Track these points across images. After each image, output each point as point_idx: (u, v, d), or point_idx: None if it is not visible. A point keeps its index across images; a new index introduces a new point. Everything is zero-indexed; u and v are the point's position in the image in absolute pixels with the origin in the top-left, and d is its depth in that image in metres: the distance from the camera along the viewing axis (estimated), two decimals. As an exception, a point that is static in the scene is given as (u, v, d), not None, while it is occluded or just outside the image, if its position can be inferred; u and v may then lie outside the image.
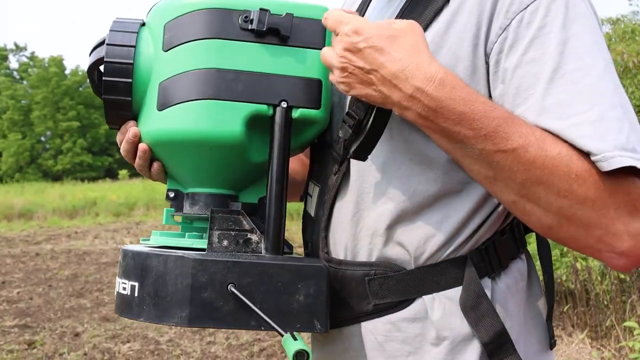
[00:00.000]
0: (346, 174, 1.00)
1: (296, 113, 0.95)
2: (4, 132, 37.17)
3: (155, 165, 1.01)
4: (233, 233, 0.92)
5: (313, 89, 0.95)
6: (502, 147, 0.80)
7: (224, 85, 0.91)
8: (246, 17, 0.92)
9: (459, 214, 0.94)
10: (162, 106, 0.92)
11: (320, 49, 0.93)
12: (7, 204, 16.27)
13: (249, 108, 0.92)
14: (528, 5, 0.86)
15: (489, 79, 0.90)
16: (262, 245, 0.93)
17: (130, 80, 0.93)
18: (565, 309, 4.72)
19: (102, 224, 13.65)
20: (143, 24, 0.98)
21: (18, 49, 44.43)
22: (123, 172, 26.18)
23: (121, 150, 1.00)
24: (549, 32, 0.85)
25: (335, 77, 0.87)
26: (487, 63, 0.89)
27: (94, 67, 0.96)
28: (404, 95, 0.82)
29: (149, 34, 0.96)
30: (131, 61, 0.93)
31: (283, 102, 0.93)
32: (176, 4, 0.93)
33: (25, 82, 41.28)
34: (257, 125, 0.94)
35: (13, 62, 47.79)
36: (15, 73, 43.66)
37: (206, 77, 0.90)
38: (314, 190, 1.08)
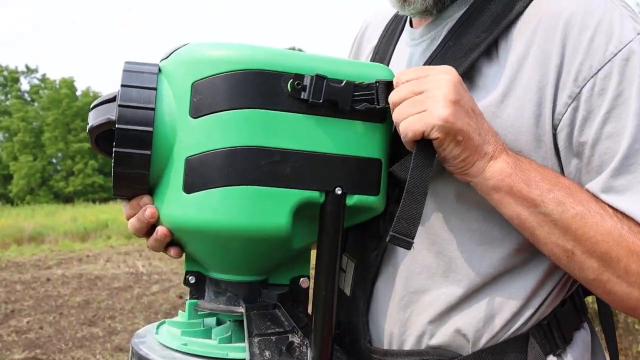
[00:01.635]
0: (390, 250, 0.88)
1: (352, 200, 0.81)
2: (15, 154, 37.29)
3: (174, 250, 0.86)
4: (274, 338, 0.79)
5: (372, 172, 0.82)
6: (580, 210, 0.76)
7: (268, 168, 0.76)
8: (298, 83, 0.77)
9: (523, 292, 0.84)
10: (190, 188, 0.78)
11: (383, 123, 0.81)
12: (17, 227, 16.18)
13: (297, 196, 0.78)
14: (599, 70, 0.77)
15: (559, 152, 0.81)
16: (309, 355, 0.79)
17: (148, 152, 0.78)
18: None
19: (114, 246, 13.52)
20: (159, 70, 0.82)
21: (29, 70, 44.67)
22: (134, 193, 25.85)
23: (130, 226, 0.85)
24: (626, 101, 0.77)
25: (431, 108, 0.75)
26: (554, 135, 0.80)
27: (98, 129, 0.80)
28: (497, 147, 0.78)
29: (169, 87, 0.80)
30: (150, 128, 0.78)
31: (338, 189, 0.80)
32: (209, 59, 0.78)
33: (36, 103, 41.55)
34: (302, 210, 0.80)
35: (24, 84, 47.84)
36: (26, 95, 43.90)
37: (247, 157, 0.76)
38: (349, 265, 0.96)
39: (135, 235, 0.85)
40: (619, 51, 0.77)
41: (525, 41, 0.82)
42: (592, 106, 0.78)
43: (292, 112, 0.78)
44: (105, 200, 28.99)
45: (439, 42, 0.89)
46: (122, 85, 0.78)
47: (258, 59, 0.77)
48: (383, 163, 0.83)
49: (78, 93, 39.97)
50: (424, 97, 0.75)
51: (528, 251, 0.83)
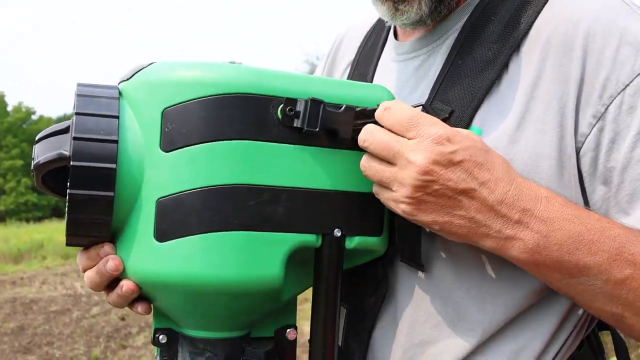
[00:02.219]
0: (391, 296, 0.77)
1: (352, 242, 0.70)
2: (-56, 173, 35.86)
3: (141, 306, 0.71)
4: None
5: (374, 209, 0.71)
6: (629, 273, 0.64)
7: (257, 209, 0.65)
8: (290, 109, 0.65)
9: (540, 339, 0.74)
10: (163, 235, 0.65)
11: None
12: (-55, 250, 15.41)
13: (291, 241, 0.67)
14: (627, 86, 0.68)
15: (582, 178, 0.71)
16: None
17: (111, 193, 0.64)
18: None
19: (50, 267, 12.99)
20: (120, 94, 0.69)
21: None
22: (70, 210, 25.11)
23: (87, 280, 0.71)
24: None
25: (396, 194, 0.64)
26: (577, 159, 0.71)
27: (46, 167, 0.66)
28: (508, 223, 0.63)
29: (134, 115, 0.67)
30: (114, 165, 0.64)
31: (337, 230, 0.69)
32: (183, 80, 0.65)
33: (-35, 120, 39.99)
34: (294, 255, 0.68)
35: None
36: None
37: (232, 197, 0.64)
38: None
39: (93, 289, 0.72)
40: None
41: (540, 53, 0.72)
42: (620, 126, 0.69)
43: (284, 142, 0.66)
44: (39, 219, 27.93)
45: (443, 58, 0.79)
46: (77, 114, 0.65)
47: (243, 81, 0.65)
48: None
49: (9, 108, 38.73)
50: (393, 173, 0.65)
51: (546, 290, 0.73)
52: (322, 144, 0.68)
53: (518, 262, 0.66)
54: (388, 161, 0.65)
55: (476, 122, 0.73)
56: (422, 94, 0.79)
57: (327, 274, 0.69)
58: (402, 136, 0.64)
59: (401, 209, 0.65)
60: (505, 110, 0.72)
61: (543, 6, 0.74)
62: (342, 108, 0.67)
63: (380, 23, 0.95)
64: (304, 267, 0.71)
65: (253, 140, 0.65)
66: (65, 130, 0.66)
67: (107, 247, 0.68)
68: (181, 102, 0.65)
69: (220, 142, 0.64)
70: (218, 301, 0.67)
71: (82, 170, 0.63)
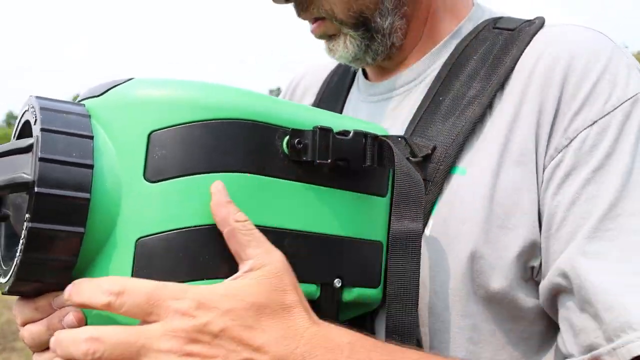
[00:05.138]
0: None
1: (350, 294, 0.63)
2: None
3: None
4: None
5: (374, 258, 0.65)
6: None
7: None
8: (299, 141, 0.58)
9: None
10: None
11: (384, 197, 0.65)
12: None
13: None
14: (594, 122, 0.65)
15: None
16: None
17: (82, 229, 0.52)
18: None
19: None
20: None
21: None
22: None
23: (27, 335, 0.56)
24: (618, 160, 0.64)
25: None
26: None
27: None
28: None
29: (107, 138, 0.56)
30: (87, 195, 0.52)
31: (337, 280, 0.61)
32: (179, 100, 0.55)
33: None
34: None
35: None
36: None
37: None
38: None
39: (32, 348, 0.57)
40: (621, 104, 0.66)
41: (521, 88, 0.69)
42: (578, 163, 0.65)
43: (288, 179, 0.58)
44: None
45: (421, 97, 0.75)
46: (44, 130, 0.53)
47: (250, 106, 0.57)
48: (384, 247, 0.66)
49: None
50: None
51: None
52: (327, 182, 0.60)
53: None
54: None
55: (461, 161, 0.69)
56: (399, 132, 0.74)
57: None
58: (152, 317, 0.50)
59: None
60: (488, 147, 0.68)
61: (527, 44, 0.72)
62: (351, 134, 0.61)
63: (343, 65, 0.91)
64: None
65: (257, 174, 0.56)
66: (26, 150, 0.53)
67: (62, 297, 0.54)
68: (175, 125, 0.54)
69: (221, 173, 0.55)
70: None
71: (49, 199, 0.51)
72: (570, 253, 0.63)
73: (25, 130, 0.59)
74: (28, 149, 0.53)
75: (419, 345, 0.66)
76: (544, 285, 0.66)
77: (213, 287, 0.51)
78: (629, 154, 0.64)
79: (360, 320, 0.70)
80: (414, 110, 0.74)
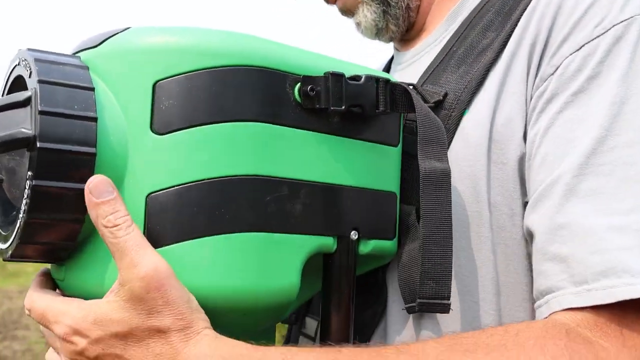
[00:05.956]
0: (394, 308, 0.68)
1: (367, 247, 0.61)
2: None
3: None
4: None
5: (389, 210, 0.62)
6: None
7: (276, 206, 0.53)
8: (312, 88, 0.55)
9: None
10: (157, 241, 0.50)
11: (396, 146, 0.63)
12: None
13: (310, 245, 0.56)
14: (582, 47, 0.60)
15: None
16: None
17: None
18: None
19: None
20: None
21: None
22: None
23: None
24: (602, 84, 0.58)
25: None
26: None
27: None
28: None
29: (108, 89, 0.53)
30: (93, 149, 0.49)
31: (353, 233, 0.59)
32: (185, 47, 0.52)
33: None
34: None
35: None
36: None
37: (248, 191, 0.52)
38: (314, 329, 0.73)
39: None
40: (613, 26, 0.60)
41: (524, 26, 0.66)
42: (559, 89, 0.60)
43: (301, 128, 0.56)
44: None
45: (438, 51, 0.74)
46: (42, 82, 0.49)
47: (260, 52, 0.54)
48: (398, 198, 0.64)
49: None
50: None
51: None
52: (339, 130, 0.58)
53: None
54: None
55: (468, 105, 0.66)
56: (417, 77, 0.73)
57: (342, 285, 0.59)
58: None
59: None
60: (489, 87, 0.66)
61: None
62: (363, 79, 0.58)
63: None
64: (305, 278, 0.60)
65: (270, 123, 0.54)
66: (23, 104, 0.50)
67: None
68: (182, 74, 0.51)
69: (233, 123, 0.52)
70: (217, 321, 0.53)
71: (52, 154, 0.48)
72: (557, 191, 0.57)
73: (15, 88, 0.55)
74: (25, 103, 0.50)
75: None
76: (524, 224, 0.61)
77: (86, 312, 0.50)
78: (618, 79, 0.58)
79: (372, 275, 0.68)
80: (431, 61, 0.73)
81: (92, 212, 0.50)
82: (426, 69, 0.72)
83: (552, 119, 0.59)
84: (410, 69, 0.78)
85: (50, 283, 0.59)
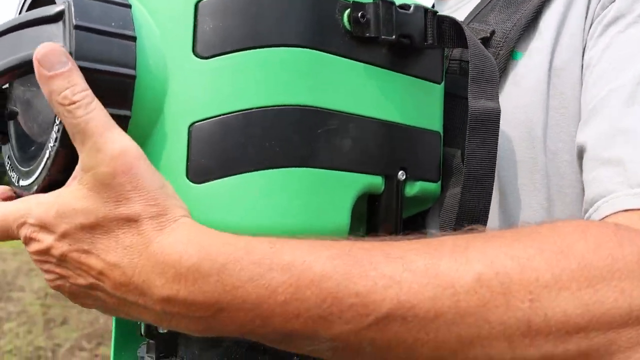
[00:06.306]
0: None
1: (413, 189, 0.57)
2: None
3: None
4: None
5: (434, 150, 0.59)
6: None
7: (326, 141, 0.49)
8: (362, 14, 0.51)
9: None
10: (202, 175, 0.46)
11: (440, 83, 0.59)
12: None
13: (360, 183, 0.52)
14: None
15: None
16: None
17: (128, 112, 0.45)
18: None
19: None
20: None
21: None
22: None
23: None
24: None
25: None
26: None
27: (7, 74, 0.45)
28: (153, 301, 0.44)
29: (144, 9, 0.48)
30: (133, 71, 0.45)
31: (401, 172, 0.55)
32: None
33: None
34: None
35: None
36: None
37: (298, 122, 0.48)
38: None
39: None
40: None
41: None
42: (623, 11, 0.57)
43: (350, 58, 0.52)
44: None
45: None
46: None
47: None
48: (441, 138, 0.60)
49: None
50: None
51: None
52: (388, 63, 0.54)
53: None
54: None
55: (521, 47, 0.63)
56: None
57: (387, 227, 0.56)
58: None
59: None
60: (544, 32, 0.62)
61: None
62: (412, 9, 0.54)
63: None
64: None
65: (319, 50, 0.49)
66: (54, 18, 0.45)
67: None
68: None
69: (282, 48, 0.48)
70: None
71: (88, 75, 0.44)
72: (614, 100, 0.53)
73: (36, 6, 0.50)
74: (57, 18, 0.45)
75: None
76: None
77: (48, 206, 0.45)
78: None
79: (412, 221, 0.65)
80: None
81: (44, 88, 0.43)
82: (471, 11, 0.68)
83: (613, 38, 0.56)
84: (455, 15, 0.74)
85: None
